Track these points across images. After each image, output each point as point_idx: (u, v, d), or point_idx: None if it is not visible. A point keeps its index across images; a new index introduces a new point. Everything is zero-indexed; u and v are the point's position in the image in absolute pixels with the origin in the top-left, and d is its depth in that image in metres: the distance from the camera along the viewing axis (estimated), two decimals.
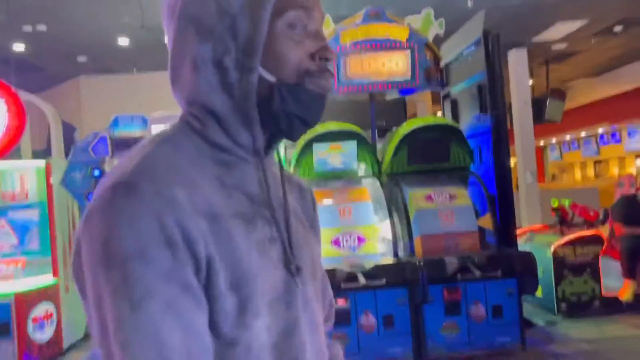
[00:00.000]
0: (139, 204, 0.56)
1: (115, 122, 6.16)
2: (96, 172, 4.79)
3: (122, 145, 5.85)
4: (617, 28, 9.52)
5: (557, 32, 9.53)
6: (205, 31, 0.64)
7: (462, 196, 3.95)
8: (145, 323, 0.54)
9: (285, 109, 0.67)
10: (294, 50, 0.67)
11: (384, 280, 3.38)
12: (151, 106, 6.76)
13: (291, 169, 4.11)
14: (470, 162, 4.17)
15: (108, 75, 8.87)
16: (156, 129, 5.67)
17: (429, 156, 4.07)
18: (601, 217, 5.11)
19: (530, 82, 10.22)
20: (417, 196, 3.91)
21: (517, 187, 8.78)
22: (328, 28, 4.30)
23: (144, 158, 0.62)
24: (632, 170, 16.13)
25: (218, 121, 0.67)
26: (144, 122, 6.23)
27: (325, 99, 0.70)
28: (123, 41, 7.62)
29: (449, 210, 3.85)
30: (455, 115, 4.83)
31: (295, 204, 0.79)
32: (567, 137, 19.65)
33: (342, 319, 3.37)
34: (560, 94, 10.91)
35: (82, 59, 8.33)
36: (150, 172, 0.60)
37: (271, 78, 0.66)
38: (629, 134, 17.26)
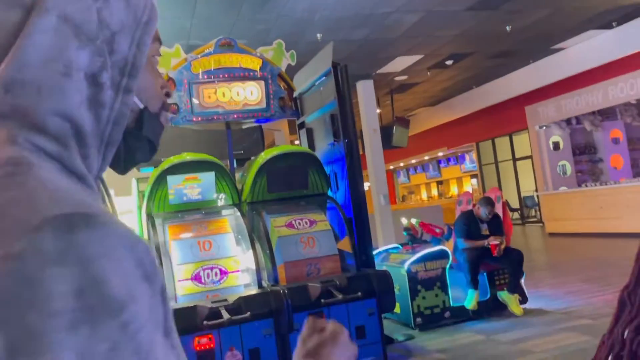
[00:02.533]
0: (111, 238, 0.44)
1: None
2: None
3: None
4: (448, 62, 10.66)
5: (398, 65, 10.39)
6: (85, 38, 0.54)
7: (322, 221, 4.04)
8: None
9: (147, 135, 0.66)
10: (156, 80, 0.67)
11: (248, 314, 3.29)
12: None
13: (144, 204, 3.88)
14: (328, 188, 4.30)
15: None
16: None
17: (288, 184, 4.12)
18: (446, 232, 5.57)
19: (378, 110, 10.96)
20: (278, 223, 3.92)
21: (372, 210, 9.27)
22: (179, 57, 4.19)
23: (47, 186, 0.46)
24: (469, 189, 17.98)
25: (79, 142, 0.54)
26: None
27: None
28: None
29: (310, 236, 3.90)
30: (311, 143, 4.97)
31: None
32: (413, 161, 21.36)
33: (207, 359, 3.21)
34: (404, 122, 11.85)
35: None
36: (82, 199, 0.46)
37: (140, 104, 0.64)
38: (460, 158, 19.26)
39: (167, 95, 0.69)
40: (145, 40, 0.61)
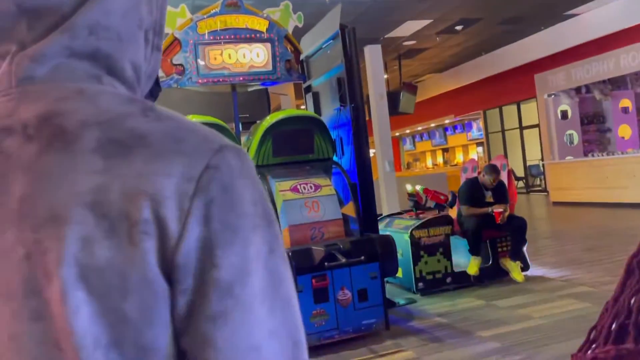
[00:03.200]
0: (254, 166, 0.53)
1: None
2: None
3: None
4: (458, 27, 10.46)
5: (407, 29, 10.21)
6: (150, 1, 0.57)
7: (327, 186, 4.05)
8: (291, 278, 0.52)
9: (155, 96, 0.67)
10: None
11: None
12: None
13: None
14: (333, 153, 4.29)
15: None
16: None
17: (293, 148, 4.11)
18: (450, 199, 5.58)
19: (385, 76, 10.83)
20: (283, 187, 3.93)
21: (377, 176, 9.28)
22: (184, 17, 4.13)
23: (197, 124, 0.54)
24: (474, 157, 17.92)
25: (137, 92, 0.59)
26: None
27: None
28: None
29: (314, 200, 3.92)
30: (317, 108, 4.93)
31: None
32: (419, 128, 21.23)
33: None
34: (411, 88, 11.72)
35: None
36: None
37: None
38: (467, 126, 19.12)
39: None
40: (165, 1, 0.62)
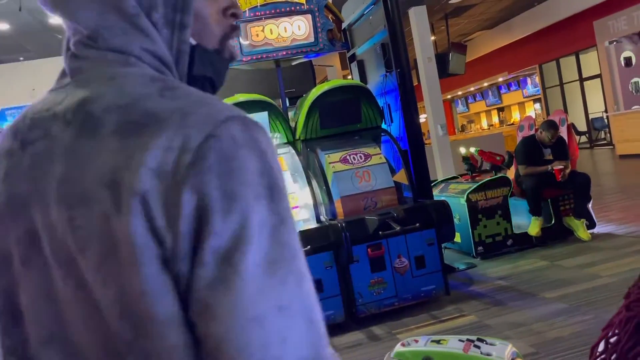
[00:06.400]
0: (269, 140, 0.53)
1: (2, 115, 5.66)
2: None
3: None
4: None
5: None
6: None
7: (376, 155, 4.01)
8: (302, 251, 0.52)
9: (202, 74, 0.63)
10: (210, 8, 0.62)
11: (308, 247, 3.38)
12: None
13: None
14: (382, 121, 4.23)
15: None
16: None
17: (340, 118, 4.08)
18: (506, 160, 5.40)
19: (432, 38, 10.50)
20: (333, 159, 3.93)
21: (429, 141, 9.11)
22: None
23: (206, 95, 0.55)
24: (531, 114, 17.21)
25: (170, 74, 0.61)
26: None
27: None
28: (2, 26, 6.96)
29: (365, 170, 3.90)
30: (363, 76, 4.86)
31: None
32: (472, 89, 20.56)
33: None
34: (461, 48, 11.31)
35: None
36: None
37: (192, 41, 0.62)
38: (522, 82, 18.32)
39: (234, 16, 0.65)
40: None
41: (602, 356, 0.87)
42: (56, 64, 0.71)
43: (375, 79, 4.61)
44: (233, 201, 0.47)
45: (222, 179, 0.47)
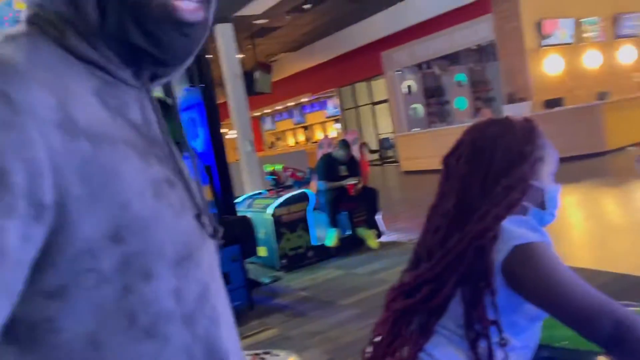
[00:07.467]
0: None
1: None
2: None
3: None
4: (306, 5, 10.63)
5: (257, 7, 10.14)
6: None
7: None
8: None
9: (127, 38, 0.51)
10: None
11: None
12: None
13: None
14: (185, 136, 4.13)
15: None
16: None
17: None
18: (308, 176, 5.72)
19: (240, 55, 10.67)
20: None
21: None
22: None
23: None
24: (333, 133, 18.55)
25: (82, 29, 0.51)
26: None
27: (189, 27, 0.53)
28: None
29: None
30: (168, 90, 4.70)
31: None
32: (279, 107, 21.40)
33: None
34: (266, 67, 11.67)
35: None
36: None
37: None
38: (324, 103, 19.71)
39: None
40: None
41: (370, 355, 0.96)
42: None
43: (179, 93, 4.51)
44: None
45: None
